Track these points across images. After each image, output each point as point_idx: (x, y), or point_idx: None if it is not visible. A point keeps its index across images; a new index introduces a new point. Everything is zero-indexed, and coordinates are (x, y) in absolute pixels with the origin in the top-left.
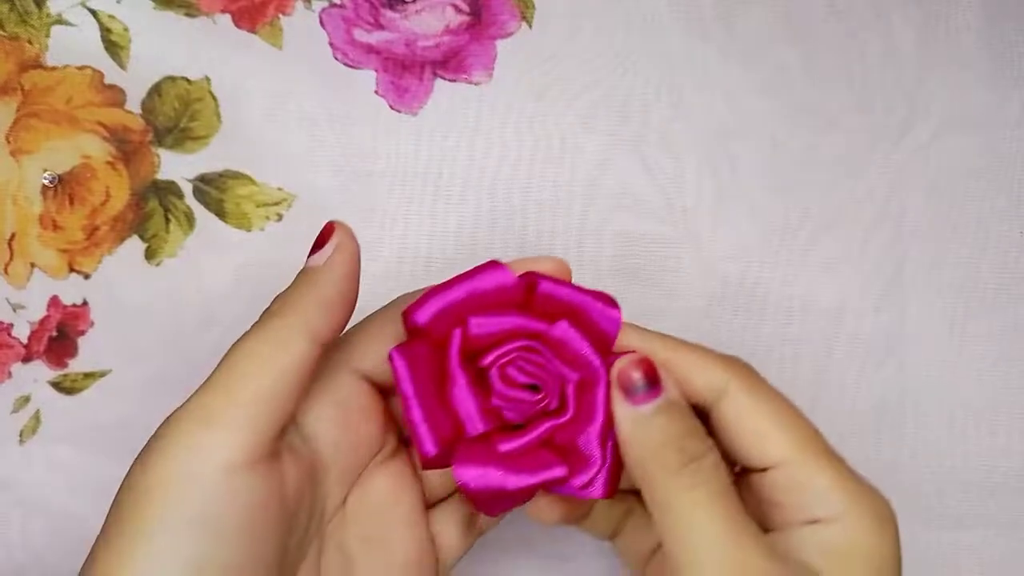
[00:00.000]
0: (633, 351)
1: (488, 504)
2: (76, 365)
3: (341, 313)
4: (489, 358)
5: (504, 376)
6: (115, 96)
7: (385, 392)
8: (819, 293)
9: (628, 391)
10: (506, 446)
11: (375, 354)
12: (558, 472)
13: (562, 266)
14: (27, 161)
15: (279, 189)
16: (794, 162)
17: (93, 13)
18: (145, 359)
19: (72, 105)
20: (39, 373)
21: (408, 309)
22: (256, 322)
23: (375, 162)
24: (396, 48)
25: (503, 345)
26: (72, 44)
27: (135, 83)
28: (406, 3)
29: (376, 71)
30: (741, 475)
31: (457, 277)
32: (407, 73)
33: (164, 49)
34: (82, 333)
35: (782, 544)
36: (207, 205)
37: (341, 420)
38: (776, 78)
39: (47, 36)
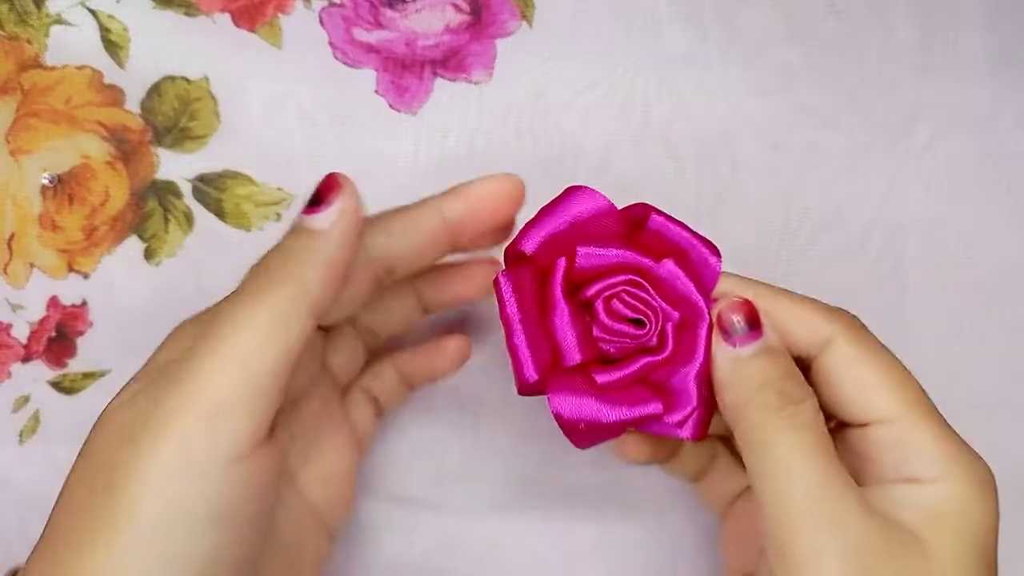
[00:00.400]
0: (727, 298)
1: (580, 435)
2: (75, 365)
3: (341, 284)
4: (593, 290)
5: (610, 309)
6: (114, 96)
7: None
8: (819, 293)
9: (728, 332)
10: (603, 378)
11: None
12: (654, 408)
13: (509, 184)
14: (26, 161)
15: (278, 189)
16: (794, 162)
17: (92, 13)
18: (144, 359)
19: (71, 105)
20: (38, 373)
21: (516, 240)
22: (250, 281)
23: (375, 162)
24: (396, 47)
25: (607, 278)
26: (71, 44)
27: (134, 83)
28: (406, 2)
29: (376, 70)
30: (835, 431)
31: (551, 204)
32: (407, 72)
33: (163, 49)
34: (81, 333)
35: (875, 501)
36: (206, 205)
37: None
38: (776, 78)
39: (46, 36)
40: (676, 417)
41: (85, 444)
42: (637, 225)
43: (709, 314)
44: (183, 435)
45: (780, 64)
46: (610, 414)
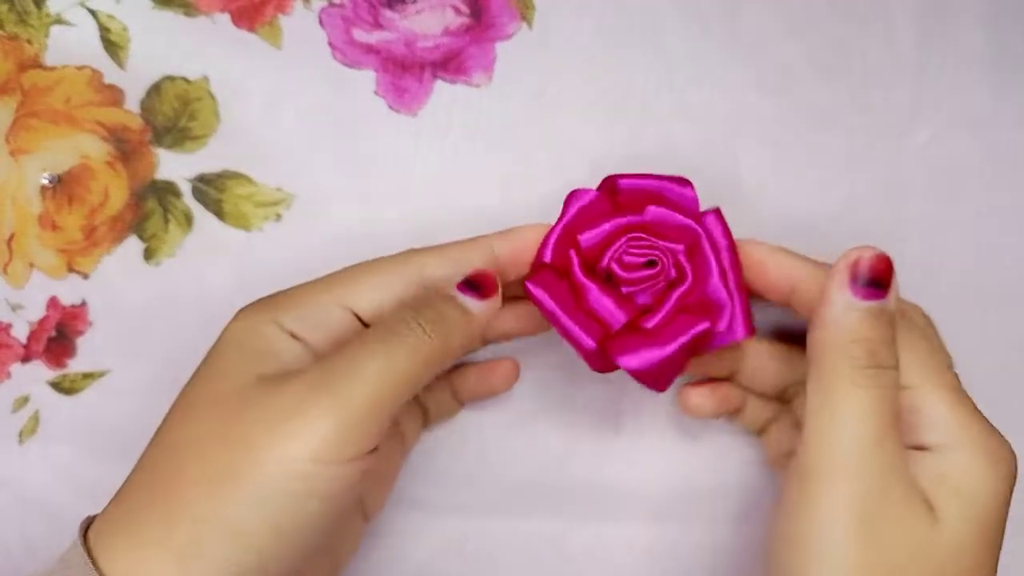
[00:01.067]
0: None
1: (656, 378)
2: (75, 365)
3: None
4: (605, 259)
5: (623, 264)
6: (114, 96)
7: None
8: None
9: (855, 278)
10: (650, 323)
11: (372, 299)
12: (703, 325)
13: (543, 229)
14: (26, 161)
15: (278, 189)
16: (794, 161)
17: (92, 13)
18: (144, 359)
19: (71, 105)
20: (38, 373)
21: (536, 256)
22: (402, 324)
23: (374, 162)
24: (395, 48)
25: (611, 245)
26: (71, 44)
27: (134, 83)
28: (405, 3)
29: (375, 71)
30: None
31: (560, 216)
32: (407, 74)
33: (163, 49)
34: (81, 333)
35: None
36: (206, 205)
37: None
38: (776, 77)
39: (46, 36)
40: (723, 324)
41: (183, 409)
42: (615, 193)
43: (705, 230)
44: (322, 433)
45: (780, 63)
46: (669, 347)
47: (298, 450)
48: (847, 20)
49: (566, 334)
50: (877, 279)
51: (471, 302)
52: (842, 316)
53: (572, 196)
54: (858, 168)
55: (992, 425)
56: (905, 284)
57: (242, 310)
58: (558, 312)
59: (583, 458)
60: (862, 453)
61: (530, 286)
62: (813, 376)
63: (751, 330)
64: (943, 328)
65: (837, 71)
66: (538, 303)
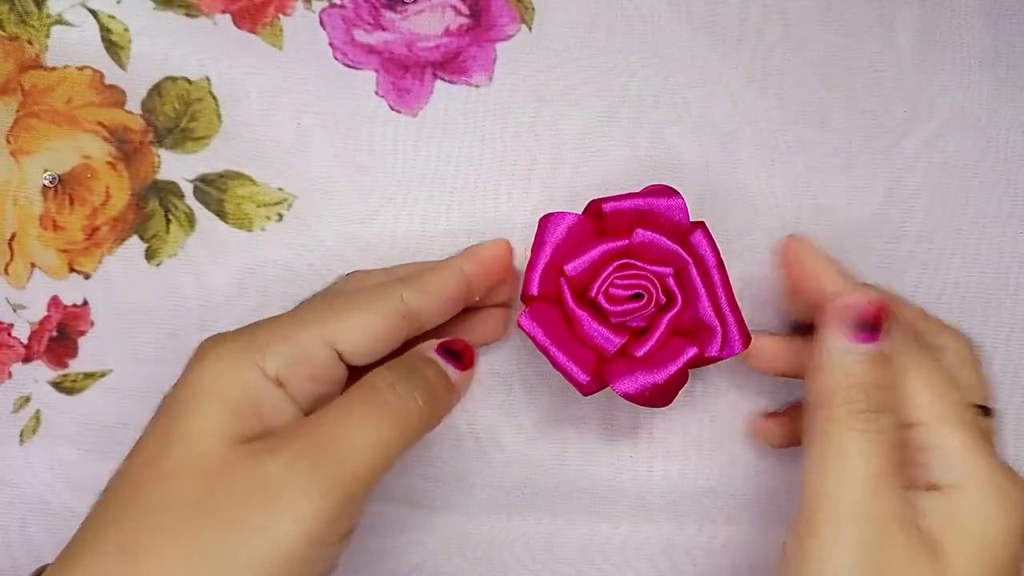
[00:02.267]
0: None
1: (652, 400)
2: (76, 365)
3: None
4: (594, 288)
5: (610, 297)
6: (115, 96)
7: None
8: None
9: (849, 324)
10: (640, 350)
11: (355, 337)
12: (692, 352)
13: (507, 246)
14: (27, 161)
15: (279, 189)
16: (794, 162)
17: (93, 13)
18: (145, 359)
19: (72, 105)
20: (39, 373)
21: (523, 285)
22: (390, 391)
23: (375, 163)
24: (396, 49)
25: (601, 273)
26: (72, 44)
27: (135, 83)
28: (406, 4)
29: (376, 72)
30: None
31: (535, 241)
32: (407, 74)
33: (164, 49)
34: (82, 333)
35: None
36: (207, 205)
37: (317, 390)
38: (775, 78)
39: (47, 36)
40: (715, 346)
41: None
42: (600, 217)
43: (692, 249)
44: (319, 512)
45: (779, 64)
46: (661, 375)
47: (295, 531)
48: (845, 21)
49: (561, 369)
50: (871, 323)
51: (452, 371)
52: (837, 360)
53: (546, 222)
54: (857, 169)
55: (1006, 465)
56: (904, 284)
57: (214, 345)
58: (551, 348)
59: (578, 458)
60: (861, 499)
61: (522, 322)
62: (811, 421)
63: (748, 340)
64: None
65: (836, 72)
66: (531, 338)
